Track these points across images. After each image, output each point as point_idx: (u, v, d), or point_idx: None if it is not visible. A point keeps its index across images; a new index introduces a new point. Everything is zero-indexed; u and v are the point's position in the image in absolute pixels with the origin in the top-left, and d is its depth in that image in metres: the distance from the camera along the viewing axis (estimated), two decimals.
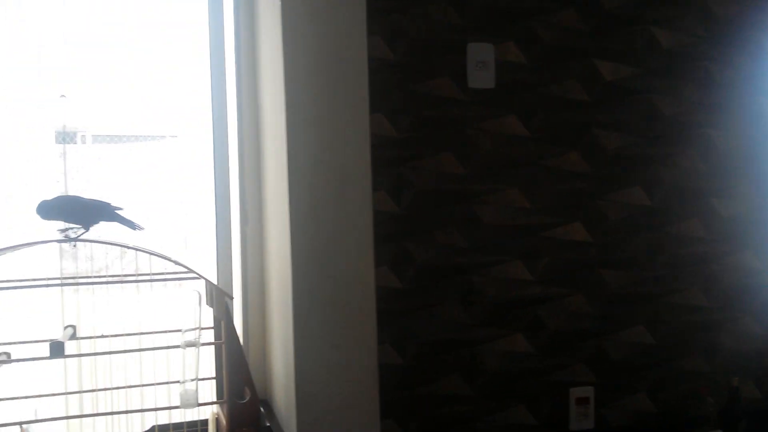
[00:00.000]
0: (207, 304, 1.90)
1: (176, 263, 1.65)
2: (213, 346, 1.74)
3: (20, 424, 1.54)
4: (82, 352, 1.68)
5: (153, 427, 1.84)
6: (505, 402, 1.90)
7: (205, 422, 1.89)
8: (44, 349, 1.70)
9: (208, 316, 1.83)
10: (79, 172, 5.56)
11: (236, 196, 1.96)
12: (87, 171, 5.75)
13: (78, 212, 1.62)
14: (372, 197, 1.59)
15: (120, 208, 1.64)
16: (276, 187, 1.73)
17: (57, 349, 1.55)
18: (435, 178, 1.83)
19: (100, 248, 1.80)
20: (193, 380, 1.66)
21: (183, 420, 1.85)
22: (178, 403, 1.65)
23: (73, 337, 1.71)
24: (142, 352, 1.68)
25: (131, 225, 1.64)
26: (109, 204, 1.64)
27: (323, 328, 1.57)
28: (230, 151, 1.97)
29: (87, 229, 1.62)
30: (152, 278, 1.67)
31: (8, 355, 1.71)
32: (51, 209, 1.58)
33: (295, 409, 1.56)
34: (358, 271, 1.59)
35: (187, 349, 1.64)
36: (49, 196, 1.62)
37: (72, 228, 1.65)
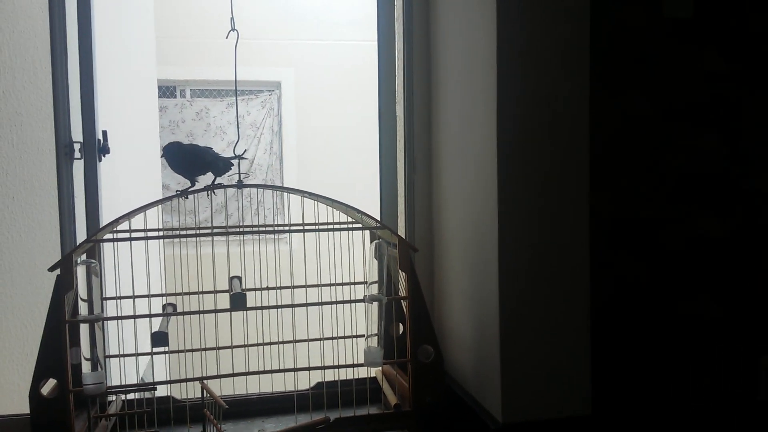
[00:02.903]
0: (374, 257, 1.78)
1: (359, 212, 1.51)
2: (378, 302, 1.61)
3: (201, 379, 1.45)
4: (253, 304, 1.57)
5: (320, 383, 1.74)
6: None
7: (373, 380, 1.79)
8: (213, 302, 1.62)
9: (374, 269, 1.71)
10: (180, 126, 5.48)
11: (402, 142, 1.81)
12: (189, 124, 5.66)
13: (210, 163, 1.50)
14: (588, 134, 1.41)
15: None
16: (465, 131, 1.56)
17: (239, 301, 1.45)
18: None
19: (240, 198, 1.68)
20: (376, 336, 1.53)
21: (352, 377, 1.75)
22: (362, 360, 1.55)
23: (242, 289, 1.61)
24: (310, 306, 1.56)
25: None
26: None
27: (531, 282, 1.41)
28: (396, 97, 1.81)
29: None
30: (332, 228, 1.54)
31: (174, 306, 1.62)
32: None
33: (500, 372, 1.42)
34: (572, 218, 1.42)
35: (373, 303, 1.52)
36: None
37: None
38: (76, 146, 1.65)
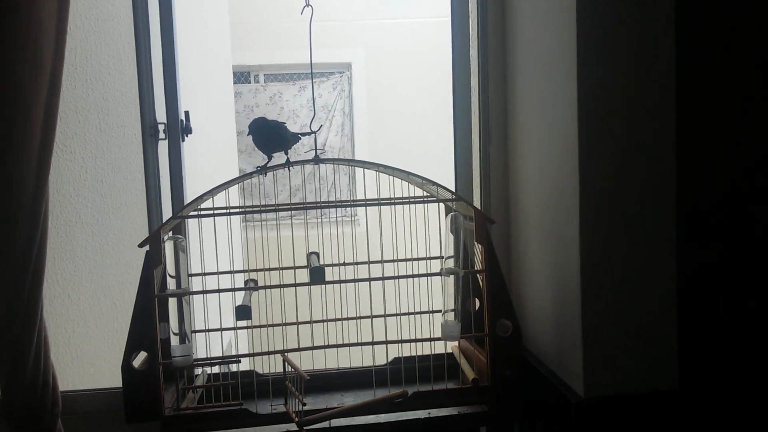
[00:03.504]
0: (450, 230, 1.78)
1: (435, 184, 1.51)
2: (455, 276, 1.61)
3: (282, 352, 1.49)
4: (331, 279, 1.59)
5: (397, 358, 1.76)
6: None
7: (450, 356, 1.79)
8: (292, 277, 1.65)
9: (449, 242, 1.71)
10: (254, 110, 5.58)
11: (476, 114, 1.80)
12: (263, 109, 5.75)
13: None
14: (675, 107, 1.37)
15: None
16: (544, 102, 1.54)
17: (318, 275, 1.47)
18: None
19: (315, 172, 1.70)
20: (453, 311, 1.54)
21: (429, 353, 1.76)
22: (438, 335, 1.55)
23: (319, 264, 1.64)
24: (387, 281, 1.57)
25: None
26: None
27: (613, 253, 1.38)
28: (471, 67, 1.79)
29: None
30: (407, 201, 1.55)
31: (255, 282, 1.66)
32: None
33: (582, 345, 1.40)
34: (657, 190, 1.38)
35: (449, 277, 1.52)
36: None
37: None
38: (161, 127, 1.71)
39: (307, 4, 1.62)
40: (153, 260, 1.41)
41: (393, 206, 1.56)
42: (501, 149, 1.79)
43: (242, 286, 1.61)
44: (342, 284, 1.53)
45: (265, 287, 1.49)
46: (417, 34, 5.67)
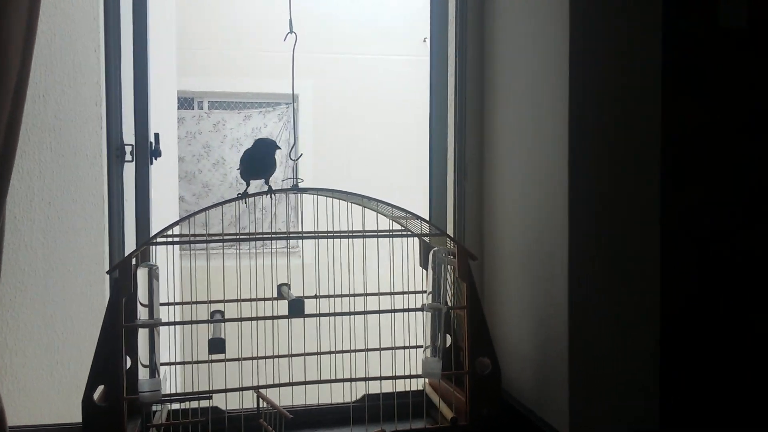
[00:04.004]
0: (421, 265, 1.75)
1: (419, 218, 1.49)
2: (423, 312, 1.58)
3: (257, 388, 1.41)
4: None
5: (373, 395, 1.70)
6: None
7: (420, 393, 1.75)
8: (259, 309, 1.58)
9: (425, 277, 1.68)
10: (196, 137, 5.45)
11: (452, 147, 1.79)
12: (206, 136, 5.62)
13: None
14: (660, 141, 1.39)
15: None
16: (526, 136, 1.54)
17: (297, 307, 1.41)
18: None
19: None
20: (431, 347, 1.50)
21: (406, 389, 1.71)
22: (414, 371, 1.51)
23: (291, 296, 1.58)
24: (361, 315, 1.52)
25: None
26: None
27: (601, 293, 1.38)
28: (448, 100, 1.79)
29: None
30: (391, 234, 1.51)
31: (222, 314, 1.59)
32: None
33: (568, 385, 1.38)
34: (642, 226, 1.39)
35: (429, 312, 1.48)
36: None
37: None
38: (127, 148, 1.63)
39: (291, 31, 1.59)
40: (122, 288, 1.32)
41: (364, 239, 1.52)
42: (477, 184, 1.78)
43: (208, 317, 1.54)
44: (317, 317, 1.47)
45: (241, 319, 1.42)
46: (368, 71, 5.70)
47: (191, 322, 1.37)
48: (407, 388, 1.71)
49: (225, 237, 1.42)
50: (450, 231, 1.81)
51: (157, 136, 1.66)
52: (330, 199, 1.60)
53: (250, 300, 1.51)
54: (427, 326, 1.51)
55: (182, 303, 1.47)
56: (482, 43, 1.77)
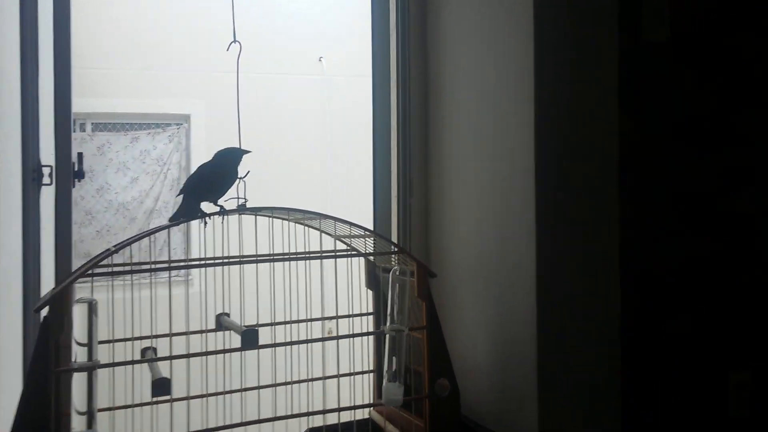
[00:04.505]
0: (367, 285, 1.68)
1: (381, 237, 1.42)
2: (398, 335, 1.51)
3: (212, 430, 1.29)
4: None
5: (316, 428, 1.61)
6: None
7: (358, 424, 1.66)
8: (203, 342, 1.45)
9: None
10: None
11: (395, 165, 1.74)
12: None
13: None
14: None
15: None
16: (483, 147, 1.51)
17: (250, 339, 1.30)
18: None
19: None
20: (392, 373, 1.43)
21: (351, 419, 1.62)
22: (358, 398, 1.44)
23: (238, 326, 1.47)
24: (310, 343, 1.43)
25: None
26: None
27: (567, 310, 1.36)
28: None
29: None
30: (342, 255, 1.43)
31: (154, 350, 1.45)
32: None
33: (537, 405, 1.35)
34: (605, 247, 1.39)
35: (390, 335, 1.42)
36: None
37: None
38: (46, 170, 1.46)
39: (234, 41, 1.49)
40: (54, 327, 1.16)
41: (308, 261, 1.43)
42: (422, 199, 1.73)
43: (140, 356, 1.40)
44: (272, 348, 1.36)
45: (189, 355, 1.29)
46: (265, 88, 5.55)
47: (141, 361, 1.23)
48: (353, 418, 1.62)
49: (182, 263, 1.29)
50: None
51: (80, 156, 1.50)
52: (266, 219, 1.51)
53: (200, 332, 1.38)
54: (380, 351, 1.44)
55: (124, 340, 1.32)
56: (426, 46, 1.73)
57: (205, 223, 1.34)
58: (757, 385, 1.77)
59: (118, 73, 5.25)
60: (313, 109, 5.66)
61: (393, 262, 1.67)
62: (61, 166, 1.46)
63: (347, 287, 1.54)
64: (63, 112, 1.46)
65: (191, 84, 5.44)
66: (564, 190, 1.36)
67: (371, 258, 1.64)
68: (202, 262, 1.31)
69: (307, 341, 1.36)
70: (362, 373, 1.63)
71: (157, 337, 1.33)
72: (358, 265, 1.62)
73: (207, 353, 1.29)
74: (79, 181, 1.51)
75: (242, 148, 1.43)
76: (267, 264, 1.45)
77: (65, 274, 1.35)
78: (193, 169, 4.93)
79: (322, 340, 1.37)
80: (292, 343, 1.35)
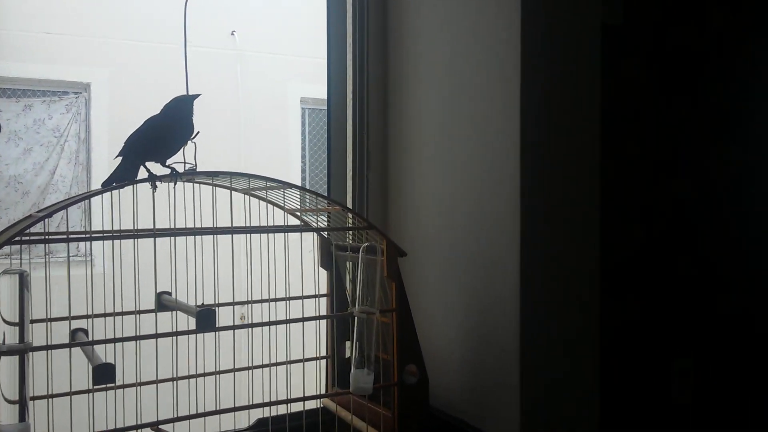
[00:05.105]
0: (321, 265, 1.55)
1: (342, 206, 1.29)
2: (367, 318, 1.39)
3: (156, 424, 1.13)
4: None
5: (259, 420, 1.46)
6: None
7: (312, 413, 1.53)
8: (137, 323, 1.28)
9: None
10: None
11: (350, 138, 1.60)
12: None
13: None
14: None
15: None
16: (452, 120, 1.40)
17: (207, 319, 1.14)
18: None
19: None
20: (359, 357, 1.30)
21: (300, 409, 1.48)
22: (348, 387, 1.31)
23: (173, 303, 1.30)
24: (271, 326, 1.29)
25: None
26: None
27: (549, 294, 1.28)
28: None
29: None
30: (301, 229, 1.29)
31: (85, 332, 1.27)
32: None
33: (519, 394, 1.26)
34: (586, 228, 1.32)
35: (359, 318, 1.29)
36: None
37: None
38: None
39: None
40: None
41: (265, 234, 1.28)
42: (382, 175, 1.61)
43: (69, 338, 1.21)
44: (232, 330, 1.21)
45: (138, 338, 1.11)
46: (173, 60, 5.23)
47: (84, 344, 1.05)
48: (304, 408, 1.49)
49: (137, 233, 1.11)
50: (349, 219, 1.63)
51: None
52: (205, 188, 1.35)
53: (114, 315, 1.20)
54: (334, 335, 1.31)
55: (61, 319, 1.12)
56: (387, 22, 1.61)
57: (155, 187, 1.16)
58: (699, 372, 1.78)
59: (13, 35, 4.80)
60: (226, 86, 5.39)
61: (349, 239, 1.55)
62: None
63: (299, 266, 1.40)
64: None
65: (92, 51, 5.05)
66: (550, 162, 1.28)
67: (325, 234, 1.51)
68: (150, 232, 1.13)
69: (269, 323, 1.21)
70: (317, 359, 1.50)
71: (96, 317, 1.15)
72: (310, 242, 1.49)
73: (158, 335, 1.12)
74: None
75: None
76: (209, 238, 1.29)
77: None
78: (94, 141, 4.55)
79: (287, 322, 1.23)
80: (253, 325, 1.20)
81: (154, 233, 1.13)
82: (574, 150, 1.33)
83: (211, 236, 1.23)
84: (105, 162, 5.10)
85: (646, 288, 1.59)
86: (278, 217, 1.39)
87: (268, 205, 1.46)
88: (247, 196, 1.44)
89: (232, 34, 5.45)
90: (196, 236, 1.20)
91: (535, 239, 1.26)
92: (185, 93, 1.26)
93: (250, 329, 1.20)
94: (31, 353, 1.01)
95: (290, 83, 5.55)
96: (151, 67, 5.14)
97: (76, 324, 1.24)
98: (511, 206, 1.27)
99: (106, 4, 5.07)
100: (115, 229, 1.13)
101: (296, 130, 5.61)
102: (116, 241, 1.13)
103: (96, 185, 5.06)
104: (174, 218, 1.14)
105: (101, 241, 1.12)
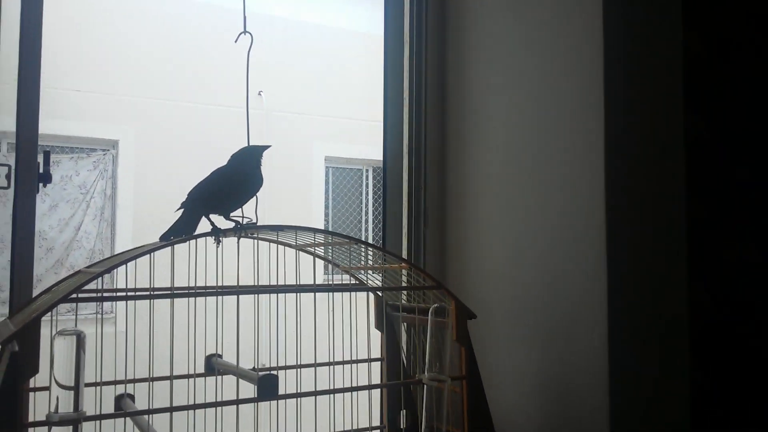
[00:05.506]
0: (376, 326, 1.46)
1: (416, 267, 1.20)
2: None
3: None
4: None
5: None
6: None
7: None
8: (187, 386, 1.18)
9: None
10: None
11: (406, 193, 1.53)
12: None
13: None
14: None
15: None
16: (527, 165, 1.33)
17: (269, 386, 1.05)
18: None
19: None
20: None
21: None
22: None
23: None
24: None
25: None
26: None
27: (641, 359, 1.18)
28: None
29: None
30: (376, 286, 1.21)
31: (131, 397, 1.18)
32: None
33: None
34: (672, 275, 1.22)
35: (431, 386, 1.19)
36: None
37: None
38: (2, 170, 1.17)
39: (245, 31, 1.28)
40: (26, 366, 0.88)
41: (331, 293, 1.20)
42: (438, 229, 1.53)
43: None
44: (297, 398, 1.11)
45: (197, 406, 1.02)
46: (198, 118, 5.25)
47: (140, 413, 0.95)
48: None
49: (204, 290, 1.02)
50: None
51: (47, 155, 1.22)
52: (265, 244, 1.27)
53: (199, 376, 1.11)
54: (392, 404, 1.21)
55: (110, 383, 1.03)
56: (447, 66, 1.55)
57: (219, 241, 1.08)
58: None
59: (44, 92, 4.85)
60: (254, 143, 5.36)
61: (411, 300, 1.46)
62: (23, 166, 1.18)
63: (351, 328, 1.31)
64: (29, 93, 1.19)
65: (120, 108, 5.07)
66: (637, 211, 1.19)
67: (380, 294, 1.42)
68: (213, 290, 1.04)
69: (332, 391, 1.11)
70: (370, 429, 1.39)
71: (155, 380, 1.05)
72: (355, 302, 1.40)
73: (217, 404, 1.02)
74: (45, 185, 1.22)
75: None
76: (259, 297, 1.21)
77: (27, 299, 1.06)
78: (120, 198, 4.50)
79: (352, 390, 1.13)
80: (318, 393, 1.10)
81: (217, 291, 1.04)
82: (660, 201, 1.25)
83: (271, 295, 1.14)
84: (129, 218, 5.07)
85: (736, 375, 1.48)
86: (319, 272, 1.31)
87: (316, 260, 1.38)
88: (297, 251, 1.37)
89: (260, 94, 5.47)
90: (256, 295, 1.11)
91: (622, 296, 1.17)
92: (249, 144, 1.19)
93: (314, 397, 1.10)
94: (82, 423, 0.91)
95: (315, 142, 5.54)
96: (177, 125, 5.16)
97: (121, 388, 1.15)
98: (592, 262, 1.17)
99: (134, 63, 5.12)
100: (167, 286, 1.05)
101: (320, 187, 5.57)
102: (158, 300, 1.05)
103: (120, 242, 5.02)
104: (238, 275, 1.06)
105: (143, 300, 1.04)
